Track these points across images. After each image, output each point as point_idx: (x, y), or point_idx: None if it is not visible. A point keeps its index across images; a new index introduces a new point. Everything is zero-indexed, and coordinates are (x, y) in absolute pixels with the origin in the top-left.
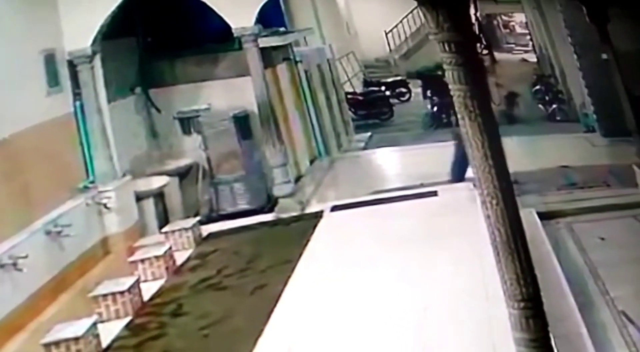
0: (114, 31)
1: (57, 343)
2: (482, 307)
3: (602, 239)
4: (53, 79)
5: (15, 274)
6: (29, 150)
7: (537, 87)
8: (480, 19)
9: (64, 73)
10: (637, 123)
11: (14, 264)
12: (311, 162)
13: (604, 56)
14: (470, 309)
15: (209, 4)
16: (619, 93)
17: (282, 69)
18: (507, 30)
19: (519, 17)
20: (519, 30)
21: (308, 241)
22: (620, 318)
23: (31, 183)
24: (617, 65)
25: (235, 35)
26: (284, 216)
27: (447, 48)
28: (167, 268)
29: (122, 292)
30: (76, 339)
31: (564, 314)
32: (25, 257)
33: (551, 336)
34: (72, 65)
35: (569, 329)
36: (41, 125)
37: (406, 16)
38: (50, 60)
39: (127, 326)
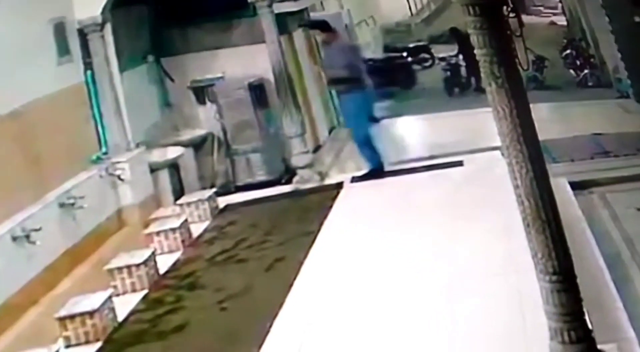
0: None
1: (72, 317)
2: (512, 280)
3: (638, 209)
4: (63, 49)
5: (28, 247)
6: (40, 121)
7: (567, 51)
8: None
9: (74, 42)
10: None
11: (27, 237)
12: (330, 131)
13: (637, 19)
14: (498, 283)
15: None
16: None
17: (298, 35)
18: None
19: None
20: None
21: (328, 212)
22: None
23: (43, 154)
24: None
25: (249, 0)
26: (303, 187)
27: (471, 11)
28: (183, 241)
29: (137, 265)
30: (91, 312)
31: (598, 287)
32: (39, 229)
33: (585, 310)
34: (82, 34)
35: (604, 303)
36: (52, 96)
37: None
38: (60, 30)
39: (143, 299)
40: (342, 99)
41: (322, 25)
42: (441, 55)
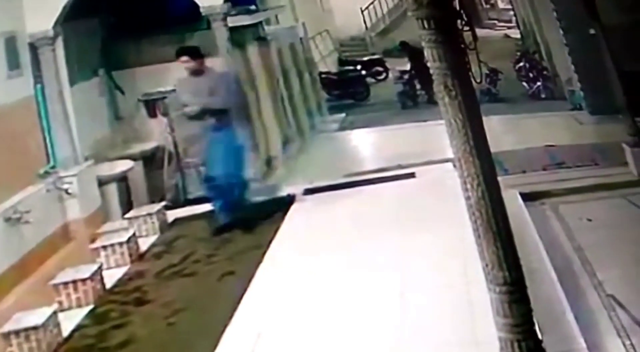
0: (76, 12)
1: (16, 332)
2: (462, 291)
3: (590, 220)
4: (14, 62)
5: None
6: None
7: (521, 64)
8: None
9: (25, 56)
10: (627, 99)
11: None
12: (283, 144)
13: (592, 31)
14: (450, 294)
15: None
16: (608, 69)
17: (252, 49)
18: (489, 5)
19: None
20: (501, 5)
21: (279, 225)
22: (609, 302)
23: None
24: (605, 40)
25: (203, 14)
26: (254, 199)
27: (426, 25)
28: (130, 255)
29: (83, 280)
30: (36, 328)
31: (549, 298)
32: None
33: (535, 320)
34: (33, 48)
35: (555, 314)
36: (1, 109)
37: None
38: (10, 43)
39: (88, 314)
40: (213, 136)
41: (192, 52)
42: (397, 68)
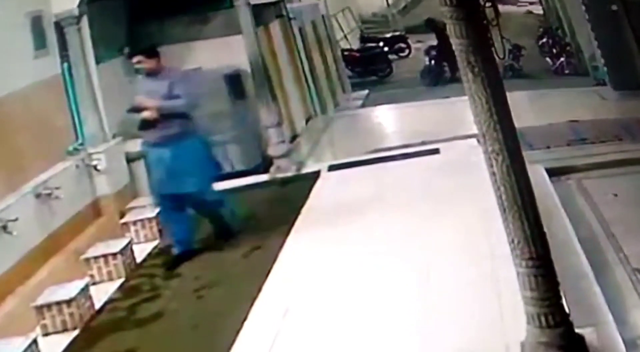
0: None
1: (49, 306)
2: (488, 266)
3: (615, 195)
4: (40, 42)
5: (5, 237)
6: (17, 113)
7: (544, 40)
8: None
9: (51, 35)
10: None
11: (4, 227)
12: (307, 121)
13: (614, 7)
14: (475, 269)
15: None
16: (630, 44)
17: (275, 26)
18: None
19: None
20: None
21: (305, 201)
22: (635, 276)
23: (20, 146)
24: (626, 16)
25: None
26: (280, 176)
27: (448, 1)
28: (159, 230)
29: (114, 254)
30: (68, 301)
31: (576, 272)
32: (15, 220)
33: (562, 294)
34: (59, 27)
35: (581, 288)
36: (29, 88)
37: None
38: (36, 23)
39: (119, 288)
40: (174, 149)
41: (147, 51)
42: (428, 43)
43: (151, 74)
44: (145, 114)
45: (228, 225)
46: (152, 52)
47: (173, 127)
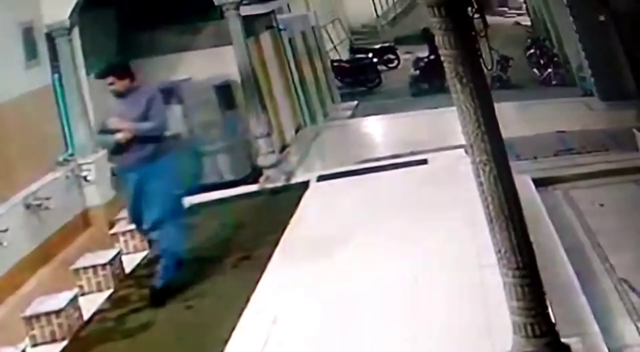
0: (92, 2)
1: (37, 316)
2: (476, 276)
3: (602, 205)
4: (31, 52)
5: None
6: (8, 124)
7: (532, 50)
8: None
9: (42, 46)
10: (637, 85)
11: None
12: (296, 131)
13: (601, 18)
14: (462, 279)
15: None
16: (618, 55)
17: (265, 37)
18: None
19: None
20: None
21: (294, 211)
22: (621, 286)
23: (10, 156)
24: (615, 26)
25: (216, 3)
26: (269, 186)
27: (436, 12)
28: (148, 240)
29: (103, 265)
30: (57, 312)
31: (562, 282)
32: (5, 230)
33: (548, 304)
34: (50, 38)
35: (567, 297)
36: (20, 99)
37: None
38: (28, 33)
39: (108, 298)
40: (147, 171)
41: (118, 71)
42: (418, 55)
43: (123, 94)
44: (119, 136)
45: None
46: (123, 72)
47: (145, 150)
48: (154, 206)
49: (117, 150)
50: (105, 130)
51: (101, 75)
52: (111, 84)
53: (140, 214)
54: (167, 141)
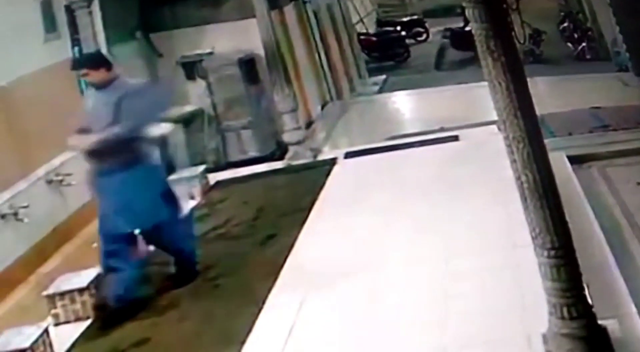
0: None
1: (61, 294)
2: (510, 256)
3: (639, 183)
4: (50, 25)
5: (16, 224)
6: (28, 98)
7: (565, 24)
8: None
9: (62, 19)
10: None
11: (15, 214)
12: (322, 107)
13: None
14: (496, 259)
15: None
16: None
17: (289, 10)
18: None
19: None
20: None
21: (321, 189)
22: None
23: (31, 131)
24: None
25: None
26: (295, 163)
27: None
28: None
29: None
30: (81, 290)
31: (599, 263)
32: (27, 207)
33: (584, 285)
34: (70, 11)
35: (604, 278)
36: (40, 72)
37: None
38: (47, 6)
39: None
40: (122, 179)
41: (93, 61)
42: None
43: (100, 86)
44: (87, 146)
45: (192, 264)
46: (99, 62)
47: (121, 154)
48: (132, 216)
49: (91, 155)
50: (81, 130)
51: (74, 67)
52: (85, 75)
53: (110, 225)
54: (144, 146)
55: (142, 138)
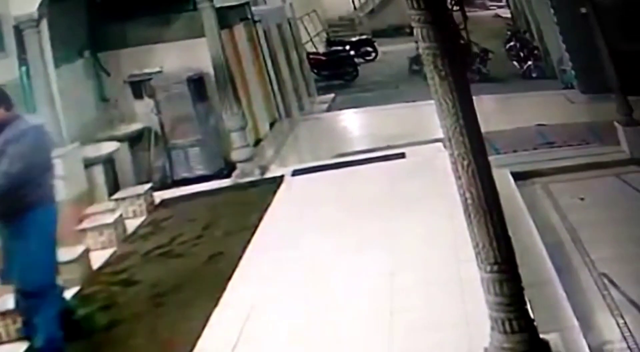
0: None
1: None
2: (453, 271)
3: (582, 199)
4: None
5: None
6: None
7: (511, 43)
8: None
9: (10, 38)
10: (618, 78)
11: None
12: (271, 125)
13: (583, 10)
14: (440, 274)
15: None
16: (600, 48)
17: (239, 29)
18: None
19: None
20: None
21: (268, 206)
22: (602, 281)
23: None
24: (596, 19)
25: None
26: (243, 181)
27: (415, 4)
28: (117, 236)
29: (69, 262)
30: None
31: (541, 277)
32: None
33: (527, 299)
34: (18, 30)
35: (547, 293)
36: None
37: None
38: None
39: (75, 296)
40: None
41: None
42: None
43: None
44: None
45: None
46: None
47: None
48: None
49: None
50: None
51: None
52: None
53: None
54: (25, 196)
55: (27, 187)
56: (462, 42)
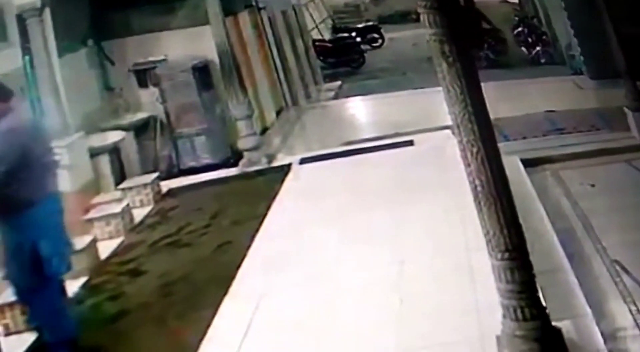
0: None
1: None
2: (464, 258)
3: (592, 185)
4: (1, 34)
5: None
6: None
7: (519, 29)
8: None
9: (13, 28)
10: (627, 63)
11: None
12: (278, 113)
13: None
14: (450, 261)
15: None
16: (608, 33)
17: (243, 16)
18: None
19: None
20: None
21: (275, 195)
22: (614, 267)
23: None
24: (604, 3)
25: None
26: (250, 169)
27: None
28: (124, 226)
29: (77, 252)
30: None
31: (553, 264)
32: None
33: (538, 287)
34: (21, 20)
35: (558, 280)
36: None
37: None
38: None
39: (83, 286)
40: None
41: None
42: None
43: None
44: None
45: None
46: None
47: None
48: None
49: None
50: None
51: None
52: None
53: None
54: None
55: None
56: (488, 27)
